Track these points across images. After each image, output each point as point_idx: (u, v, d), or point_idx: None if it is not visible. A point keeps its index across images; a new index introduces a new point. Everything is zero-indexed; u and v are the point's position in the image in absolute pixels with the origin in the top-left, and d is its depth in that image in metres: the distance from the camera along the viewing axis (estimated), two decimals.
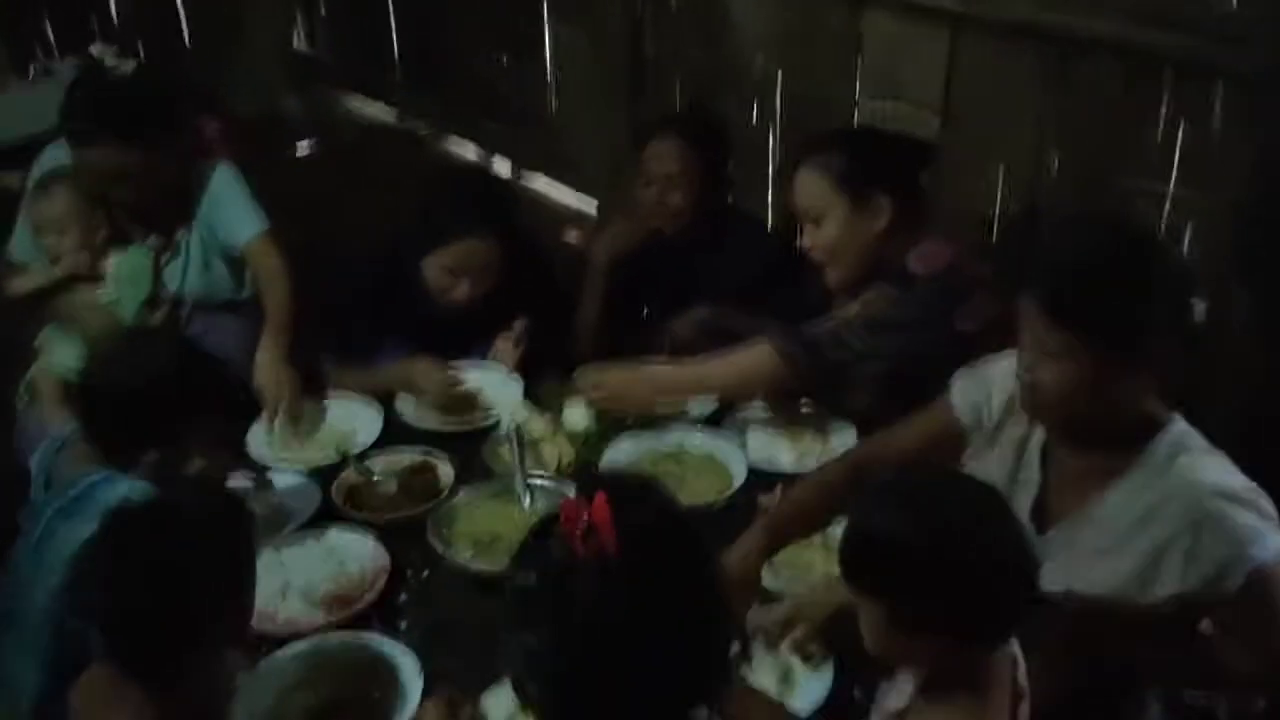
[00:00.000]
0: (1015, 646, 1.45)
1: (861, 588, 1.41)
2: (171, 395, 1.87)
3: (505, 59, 4.65)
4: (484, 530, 2.09)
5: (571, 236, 4.31)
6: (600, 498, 1.22)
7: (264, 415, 2.48)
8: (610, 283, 2.90)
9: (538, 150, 4.58)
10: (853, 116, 3.22)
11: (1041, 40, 2.72)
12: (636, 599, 1.20)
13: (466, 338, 2.75)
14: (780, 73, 3.43)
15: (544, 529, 1.28)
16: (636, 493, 1.30)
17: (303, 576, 1.98)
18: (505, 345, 2.70)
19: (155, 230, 2.71)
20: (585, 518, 1.20)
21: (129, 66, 2.75)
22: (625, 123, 3.85)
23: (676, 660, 1.22)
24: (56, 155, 2.72)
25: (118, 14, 5.34)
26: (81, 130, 2.56)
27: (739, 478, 2.26)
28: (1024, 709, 1.44)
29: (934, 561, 1.33)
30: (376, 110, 5.42)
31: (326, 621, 1.93)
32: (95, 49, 3.05)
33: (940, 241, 2.25)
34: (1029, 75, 2.78)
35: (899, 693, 1.48)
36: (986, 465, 1.81)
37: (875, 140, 2.46)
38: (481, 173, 4.09)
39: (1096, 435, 1.66)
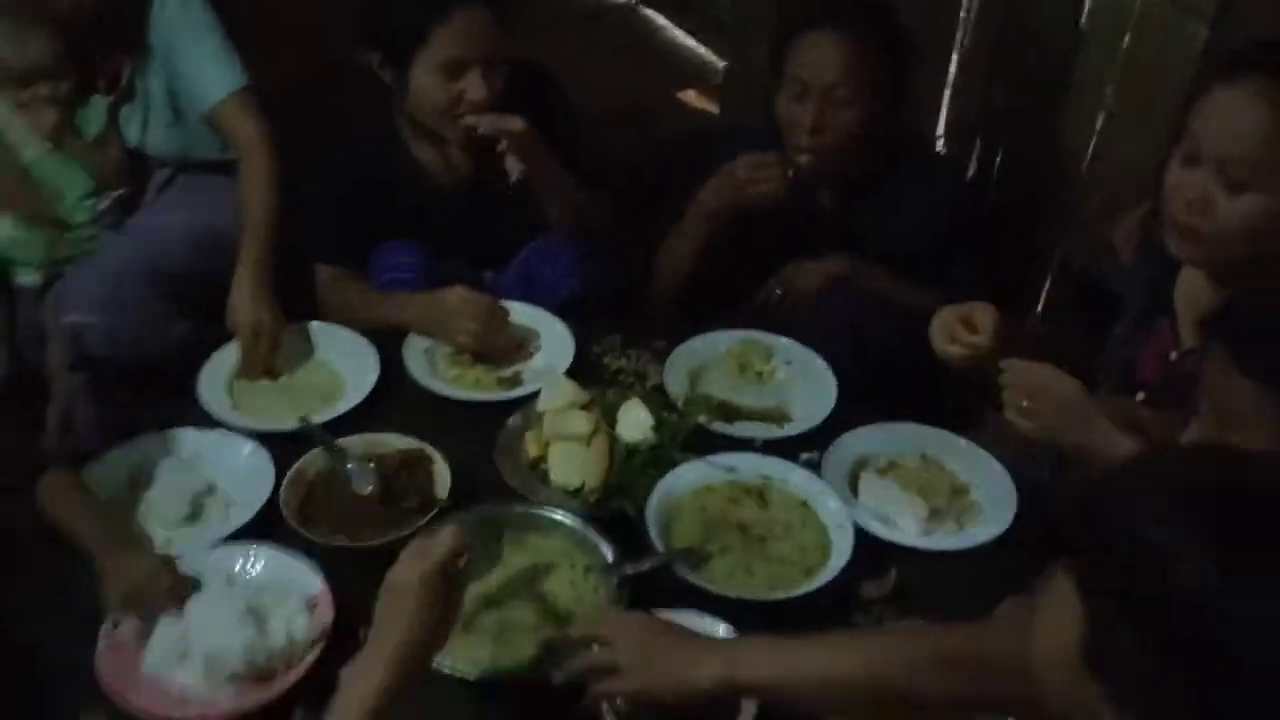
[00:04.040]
0: None
1: None
2: None
3: None
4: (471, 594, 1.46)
5: (690, 97, 3.55)
6: None
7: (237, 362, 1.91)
8: (716, 231, 2.15)
9: None
10: (1078, 9, 2.35)
11: None
12: None
13: (481, 241, 2.16)
14: None
15: None
16: None
17: (208, 639, 1.40)
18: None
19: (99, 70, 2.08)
20: None
21: None
22: None
23: None
24: None
25: None
26: None
27: (840, 548, 1.60)
28: None
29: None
30: None
31: (234, 709, 1.37)
32: None
33: None
34: None
35: None
36: None
37: None
38: None
39: None
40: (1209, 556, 0.74)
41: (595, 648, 1.28)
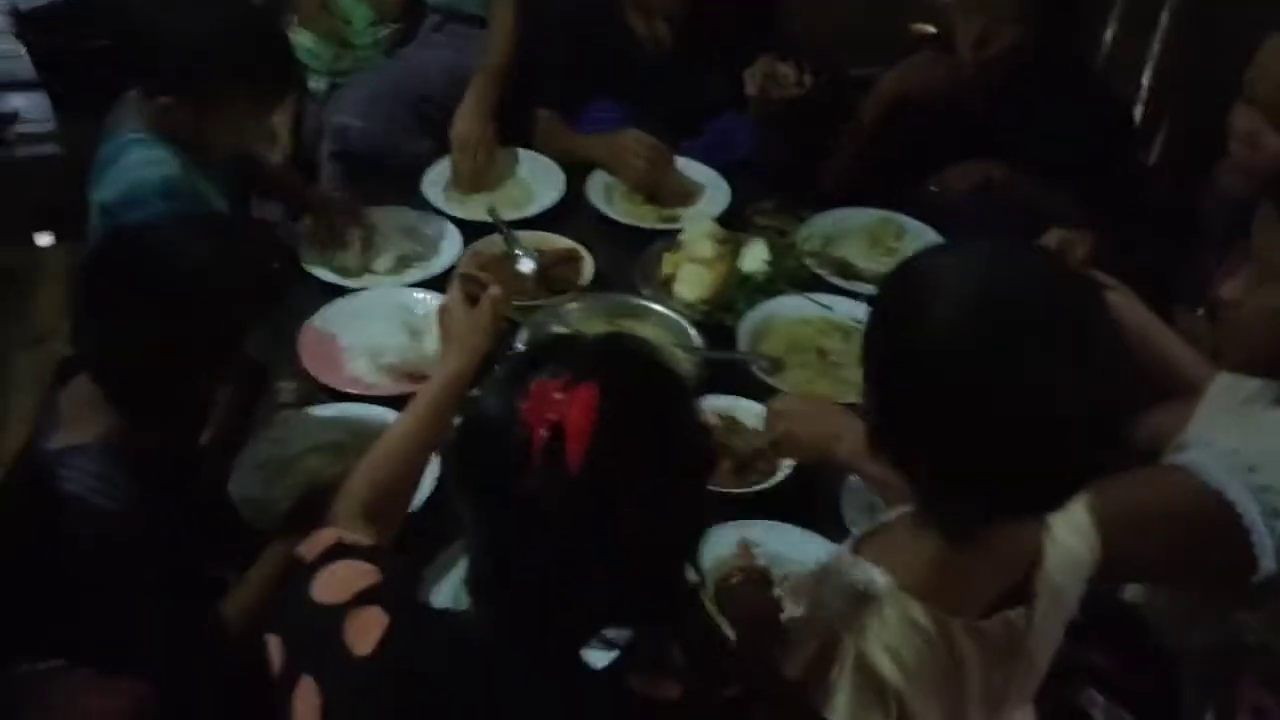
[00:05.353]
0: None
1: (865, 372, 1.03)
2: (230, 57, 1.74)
3: None
4: None
5: (927, 30, 3.69)
6: (588, 393, 0.92)
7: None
8: (890, 113, 2.37)
9: None
10: None
11: None
12: (586, 526, 0.93)
13: (679, 109, 2.43)
14: None
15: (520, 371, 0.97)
16: (644, 391, 0.98)
17: (371, 337, 1.84)
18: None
19: None
20: (556, 414, 0.91)
21: None
22: None
23: (623, 585, 0.97)
24: None
25: None
26: None
27: None
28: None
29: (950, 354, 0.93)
30: None
31: (388, 394, 1.79)
32: None
33: None
34: None
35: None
36: None
37: None
38: None
39: None
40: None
41: None
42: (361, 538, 1.19)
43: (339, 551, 1.14)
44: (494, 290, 1.55)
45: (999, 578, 1.03)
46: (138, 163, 1.76)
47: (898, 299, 0.99)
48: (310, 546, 1.16)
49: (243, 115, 1.83)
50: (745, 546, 1.35)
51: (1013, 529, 1.02)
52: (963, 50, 2.23)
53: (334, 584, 1.09)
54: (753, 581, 1.27)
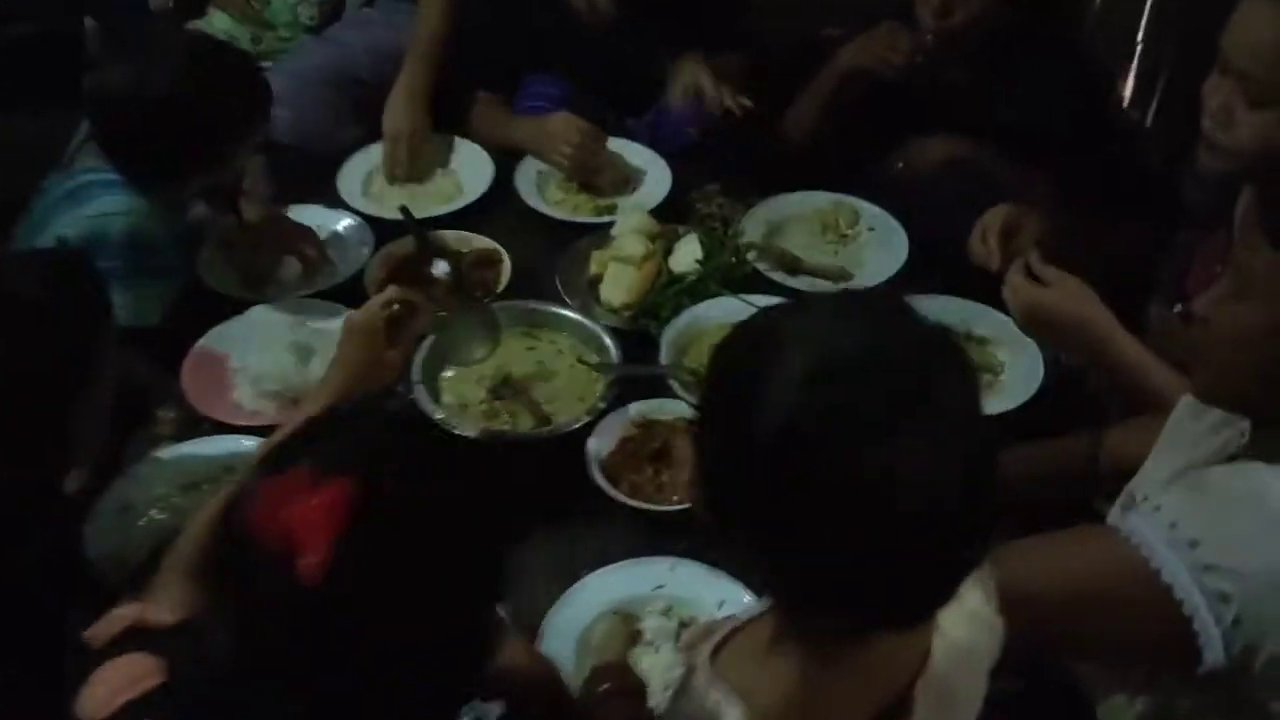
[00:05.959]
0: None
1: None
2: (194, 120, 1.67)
3: None
4: (483, 373, 1.66)
5: None
6: (333, 494, 0.77)
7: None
8: (845, 87, 2.18)
9: None
10: None
11: None
12: (330, 650, 0.80)
13: (622, 86, 2.25)
14: None
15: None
16: (414, 488, 0.83)
17: (257, 362, 1.69)
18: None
19: None
20: (289, 519, 0.77)
21: None
22: None
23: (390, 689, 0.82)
24: None
25: None
26: None
27: None
28: None
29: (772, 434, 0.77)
30: None
31: (275, 421, 1.63)
32: None
33: None
34: None
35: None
36: None
37: None
38: None
39: None
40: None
41: None
42: (168, 614, 1.06)
43: (129, 638, 1.00)
44: (420, 322, 1.44)
45: (871, 694, 0.86)
46: (106, 210, 1.69)
47: (728, 376, 0.83)
48: (100, 629, 1.03)
49: (217, 160, 1.76)
50: (631, 631, 1.19)
51: (886, 639, 0.85)
52: (924, 18, 2.03)
53: (104, 690, 0.95)
54: (624, 693, 1.11)
